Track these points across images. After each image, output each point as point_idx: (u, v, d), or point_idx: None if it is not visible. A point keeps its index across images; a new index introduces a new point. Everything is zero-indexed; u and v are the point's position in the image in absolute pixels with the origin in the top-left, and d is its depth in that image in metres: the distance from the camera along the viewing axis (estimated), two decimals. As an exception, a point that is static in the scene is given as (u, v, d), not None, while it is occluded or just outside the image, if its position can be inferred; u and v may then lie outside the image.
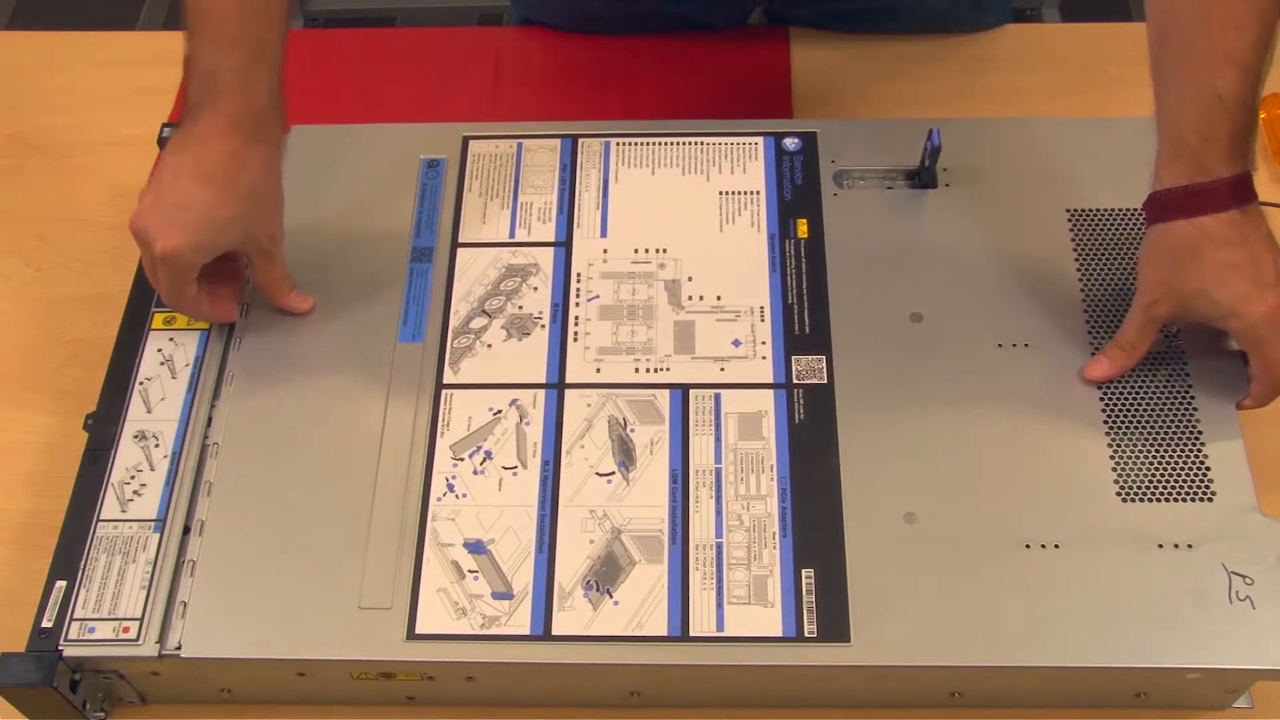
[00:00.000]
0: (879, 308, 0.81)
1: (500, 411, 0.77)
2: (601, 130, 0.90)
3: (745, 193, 0.86)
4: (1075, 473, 0.74)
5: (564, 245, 0.84)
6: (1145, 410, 0.76)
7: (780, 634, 0.69)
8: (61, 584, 0.72)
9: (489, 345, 0.80)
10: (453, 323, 0.81)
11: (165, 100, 1.03)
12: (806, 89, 1.03)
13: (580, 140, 0.89)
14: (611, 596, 0.71)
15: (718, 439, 0.76)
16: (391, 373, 0.79)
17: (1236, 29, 0.69)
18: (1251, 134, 0.72)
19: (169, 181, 0.74)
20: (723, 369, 0.78)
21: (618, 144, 0.89)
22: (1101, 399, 0.76)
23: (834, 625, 0.69)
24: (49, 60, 1.09)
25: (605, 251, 0.84)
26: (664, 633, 0.70)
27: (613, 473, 0.75)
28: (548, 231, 0.85)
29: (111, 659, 0.71)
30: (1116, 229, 0.83)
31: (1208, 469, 0.74)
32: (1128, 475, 0.74)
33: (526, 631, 0.70)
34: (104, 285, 0.92)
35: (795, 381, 0.78)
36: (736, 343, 0.79)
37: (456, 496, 0.74)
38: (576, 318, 0.81)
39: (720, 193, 0.86)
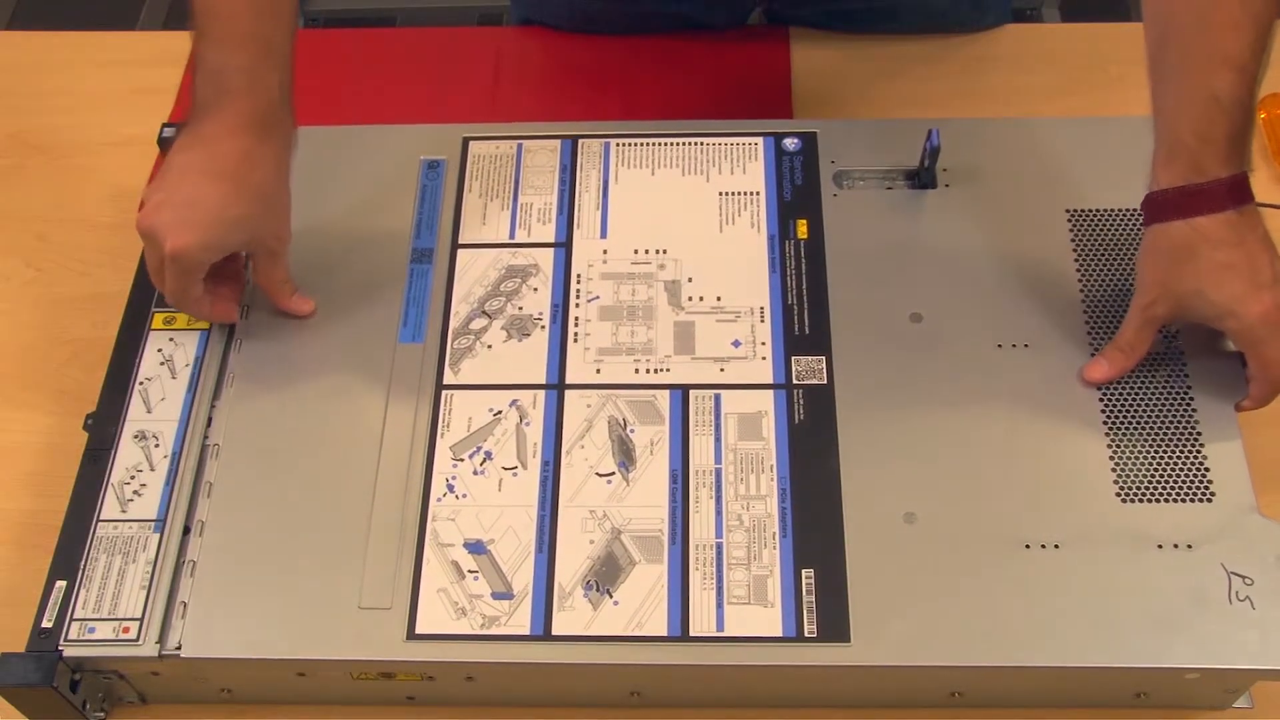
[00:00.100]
0: (879, 308, 0.81)
1: (500, 412, 0.77)
2: (601, 131, 0.90)
3: (745, 193, 0.86)
4: (1075, 473, 0.74)
5: (564, 246, 0.84)
6: (1145, 410, 0.76)
7: (780, 634, 0.69)
8: (61, 584, 0.72)
9: (489, 346, 0.80)
10: (453, 323, 0.81)
11: (165, 100, 1.03)
12: (806, 89, 1.03)
13: (580, 141, 0.89)
14: (611, 596, 0.71)
15: (718, 439, 0.76)
16: (391, 373, 0.79)
17: (1234, 31, 0.70)
18: (1248, 135, 0.72)
19: (177, 180, 0.74)
20: (723, 369, 0.78)
21: (618, 144, 0.89)
22: (1101, 399, 0.76)
23: (834, 625, 0.69)
24: (49, 60, 1.09)
25: (605, 252, 0.84)
26: (664, 633, 0.70)
27: (613, 473, 0.75)
28: (548, 232, 0.85)
29: (111, 659, 0.71)
30: (1116, 229, 0.83)
31: (1207, 469, 0.74)
32: (1127, 476, 0.74)
33: (526, 631, 0.70)
34: (104, 285, 0.92)
35: (795, 382, 0.78)
36: (736, 343, 0.79)
37: (456, 497, 0.74)
38: (576, 318, 0.81)
39: (720, 193, 0.86)
